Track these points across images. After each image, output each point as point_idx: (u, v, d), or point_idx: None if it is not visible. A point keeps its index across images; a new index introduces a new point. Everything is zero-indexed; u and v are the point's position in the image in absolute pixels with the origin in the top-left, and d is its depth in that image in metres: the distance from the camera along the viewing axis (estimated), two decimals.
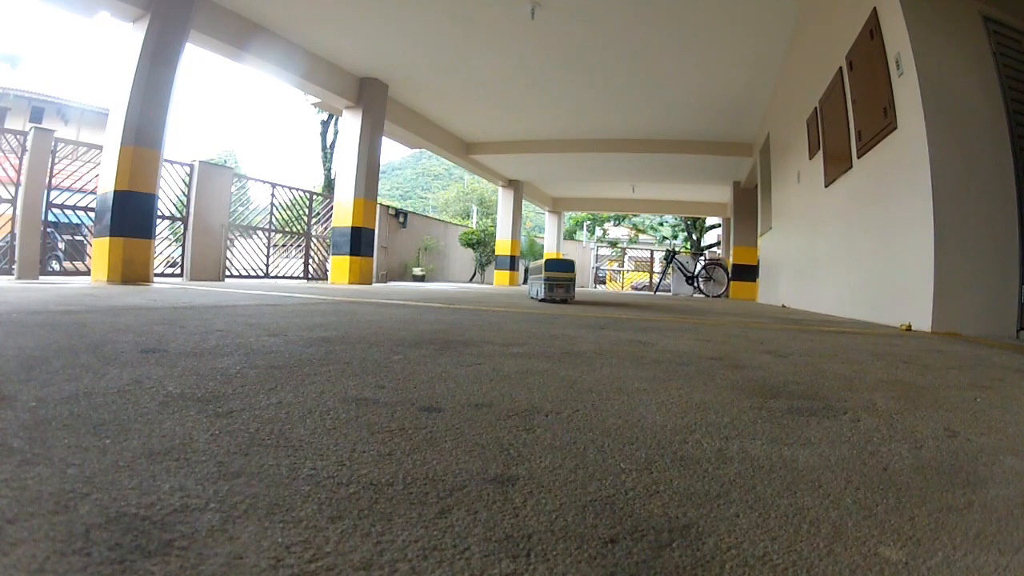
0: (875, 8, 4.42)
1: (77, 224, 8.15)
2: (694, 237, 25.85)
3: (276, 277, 11.20)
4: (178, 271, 9.17)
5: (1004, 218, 3.62)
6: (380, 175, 10.90)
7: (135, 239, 6.34)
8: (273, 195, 11.26)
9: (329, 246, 11.24)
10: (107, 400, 1.12)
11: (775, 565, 0.61)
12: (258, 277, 10.75)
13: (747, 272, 13.79)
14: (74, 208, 7.89)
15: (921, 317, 3.72)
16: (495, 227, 19.95)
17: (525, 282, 23.82)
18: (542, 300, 6.09)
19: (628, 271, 27.02)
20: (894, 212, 4.29)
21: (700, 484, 0.84)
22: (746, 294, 13.85)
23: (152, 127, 6.41)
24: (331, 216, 10.99)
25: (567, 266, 6.31)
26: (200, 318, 2.70)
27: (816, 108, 6.49)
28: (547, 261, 6.31)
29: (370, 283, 10.39)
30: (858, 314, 4.99)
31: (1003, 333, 3.51)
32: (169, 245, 9.30)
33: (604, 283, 25.81)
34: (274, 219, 11.26)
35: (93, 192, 7.35)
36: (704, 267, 15.40)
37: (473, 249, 21.32)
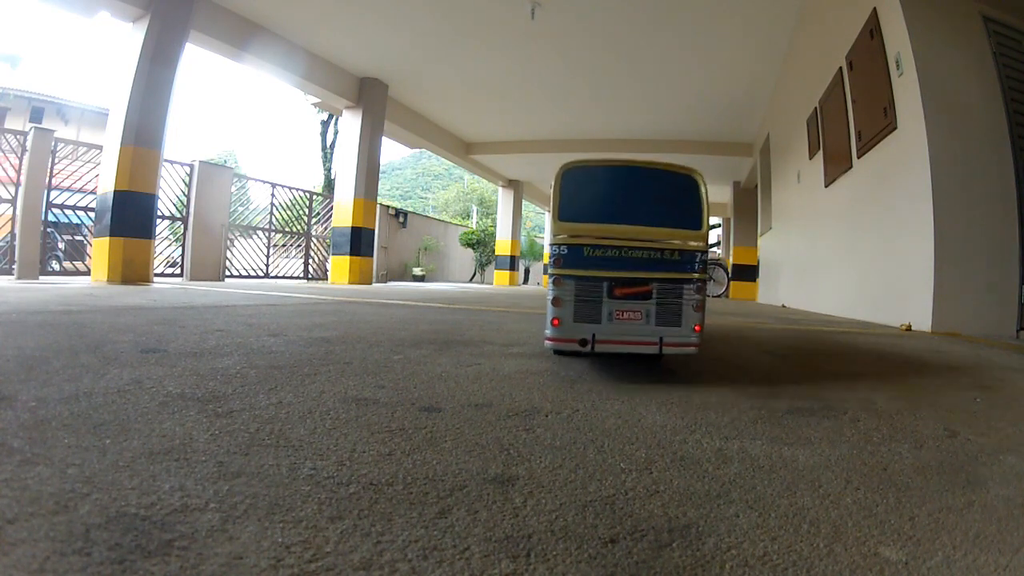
0: (875, 8, 4.42)
1: (77, 224, 8.15)
2: None
3: (276, 277, 11.20)
4: (178, 271, 9.17)
5: (1004, 218, 3.62)
6: (380, 175, 10.90)
7: (135, 239, 6.34)
8: (273, 195, 11.26)
9: (329, 246, 11.25)
10: (107, 400, 1.12)
11: (775, 565, 0.61)
12: (258, 277, 10.75)
13: (747, 272, 13.78)
14: (74, 208, 7.89)
15: (921, 317, 3.72)
16: (495, 227, 19.95)
17: (526, 281, 23.71)
18: (563, 353, 1.89)
19: None
20: (894, 212, 4.29)
21: (700, 484, 0.84)
22: (746, 294, 13.85)
23: (152, 127, 6.41)
24: (331, 216, 10.99)
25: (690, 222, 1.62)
26: (200, 318, 2.70)
27: (816, 108, 6.49)
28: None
29: (370, 283, 10.39)
30: (858, 314, 4.99)
31: (1003, 333, 3.51)
32: (169, 245, 9.30)
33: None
34: (274, 219, 11.26)
35: (93, 192, 7.35)
36: None
37: (473, 249, 21.33)
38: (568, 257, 1.57)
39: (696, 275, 1.58)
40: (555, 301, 1.56)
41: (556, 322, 1.56)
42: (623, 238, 1.57)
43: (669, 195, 1.63)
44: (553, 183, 1.65)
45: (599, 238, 1.57)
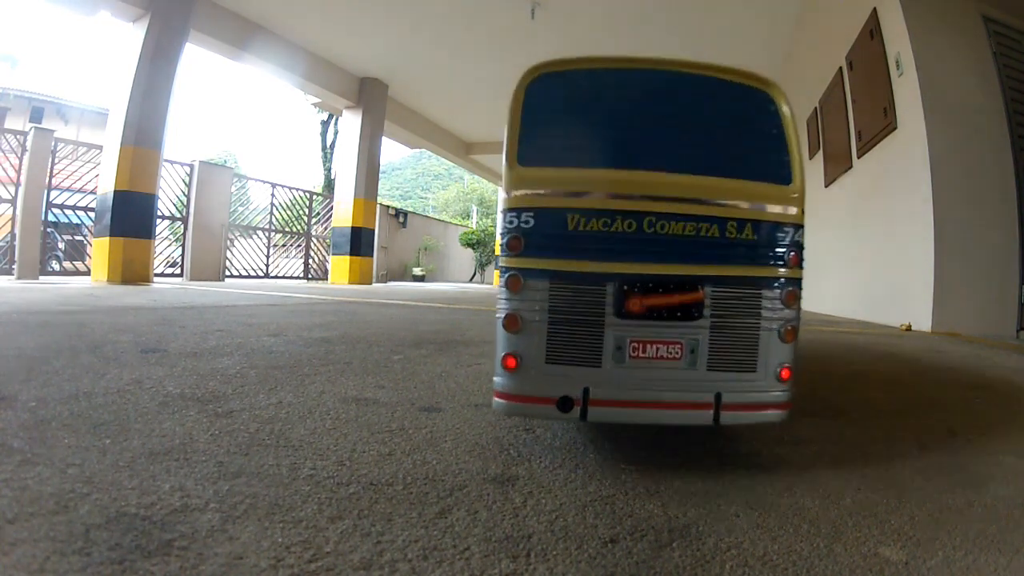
0: (875, 8, 4.43)
1: (77, 224, 8.16)
2: None
3: (276, 277, 11.21)
4: (178, 271, 9.17)
5: (1004, 218, 3.62)
6: (380, 175, 10.91)
7: (135, 239, 6.35)
8: (273, 195, 11.26)
9: (329, 246, 11.25)
10: (107, 400, 1.12)
11: (775, 565, 0.61)
12: (258, 277, 10.75)
13: None
14: (74, 208, 7.89)
15: (921, 317, 3.72)
16: (495, 227, 19.96)
17: None
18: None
19: None
20: (894, 212, 4.29)
21: (700, 484, 0.84)
22: None
23: (152, 127, 6.41)
24: (331, 216, 11.00)
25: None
26: (200, 318, 2.70)
27: (816, 108, 6.49)
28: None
29: (370, 283, 10.39)
30: (858, 314, 4.99)
31: (1003, 333, 3.51)
32: (169, 245, 9.31)
33: None
34: (274, 219, 11.26)
35: (93, 192, 7.36)
36: None
37: (473, 249, 21.34)
38: (536, 234, 0.89)
39: (785, 270, 0.92)
40: (510, 322, 0.88)
41: (512, 363, 0.87)
42: (644, 196, 0.88)
43: (726, 122, 0.98)
44: (511, 102, 0.97)
45: (599, 196, 0.89)
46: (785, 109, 0.97)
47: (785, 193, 0.92)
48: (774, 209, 0.92)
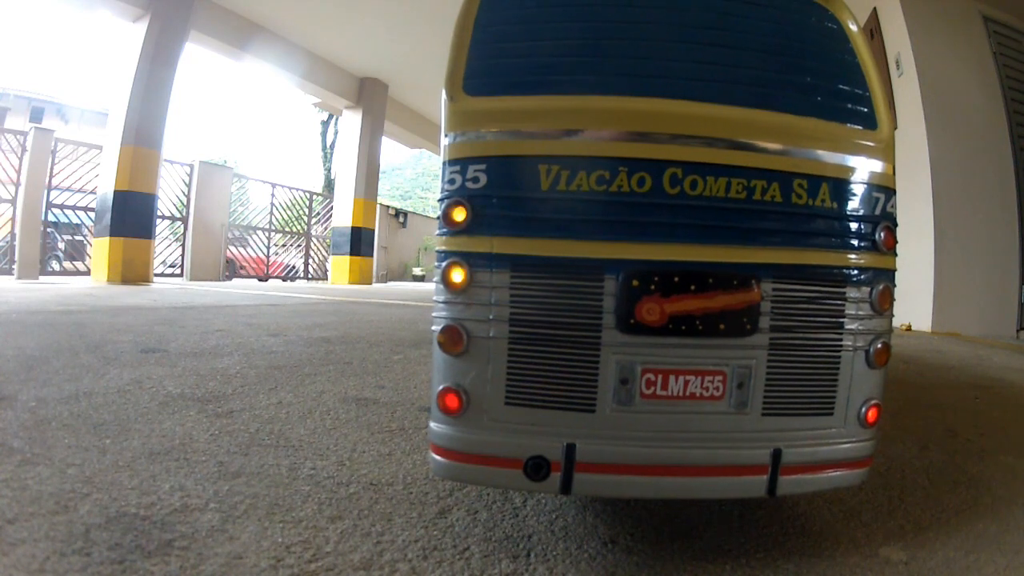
0: (875, 8, 4.43)
1: (77, 224, 8.16)
2: None
3: (276, 277, 11.21)
4: (178, 271, 9.17)
5: (1004, 218, 3.62)
6: (380, 175, 10.92)
7: (135, 239, 6.35)
8: (273, 195, 11.26)
9: (329, 246, 11.27)
10: (107, 400, 1.12)
11: (776, 565, 0.61)
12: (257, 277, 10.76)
13: None
14: (74, 208, 7.89)
15: (921, 317, 3.72)
16: None
17: None
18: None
19: None
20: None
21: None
22: None
23: (152, 127, 6.42)
24: (331, 216, 11.01)
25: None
26: (200, 318, 2.70)
27: None
28: None
29: (370, 283, 10.40)
30: None
31: (1003, 333, 3.51)
32: (169, 245, 9.31)
33: None
34: (274, 219, 11.26)
35: (93, 192, 7.36)
36: None
37: None
38: (491, 198, 0.63)
39: (876, 256, 0.73)
40: (449, 338, 0.62)
41: (454, 402, 0.61)
42: (666, 136, 0.61)
43: (782, 38, 0.72)
44: (463, 7, 0.72)
45: (593, 137, 0.62)
46: (855, 30, 0.74)
47: (870, 141, 0.71)
48: (858, 163, 0.69)
